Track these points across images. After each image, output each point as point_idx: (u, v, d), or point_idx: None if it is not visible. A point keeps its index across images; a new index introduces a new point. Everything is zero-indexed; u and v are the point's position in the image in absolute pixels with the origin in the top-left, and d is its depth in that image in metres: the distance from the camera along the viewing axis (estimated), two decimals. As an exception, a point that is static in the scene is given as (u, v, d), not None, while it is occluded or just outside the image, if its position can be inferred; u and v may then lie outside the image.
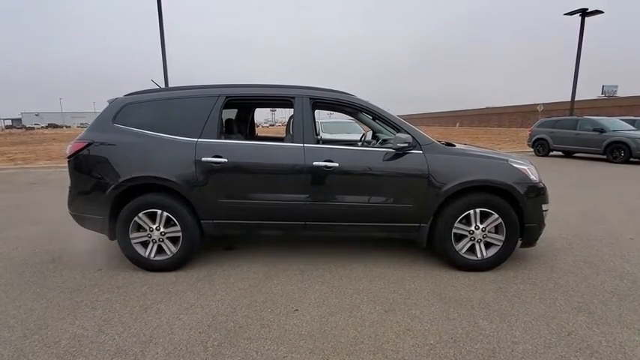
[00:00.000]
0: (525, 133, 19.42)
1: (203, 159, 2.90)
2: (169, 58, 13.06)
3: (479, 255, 3.00)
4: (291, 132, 3.13)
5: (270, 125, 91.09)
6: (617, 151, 10.75)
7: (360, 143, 3.95)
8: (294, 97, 3.12)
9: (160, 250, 3.01)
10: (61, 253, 3.46)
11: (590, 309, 2.43)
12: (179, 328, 2.21)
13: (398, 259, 3.30)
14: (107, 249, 3.44)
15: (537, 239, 3.11)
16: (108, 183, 2.90)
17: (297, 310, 2.43)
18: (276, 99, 3.28)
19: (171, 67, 13.39)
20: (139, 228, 2.98)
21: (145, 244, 3.00)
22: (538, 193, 3.00)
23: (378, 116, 3.21)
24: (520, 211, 2.95)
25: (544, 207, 3.04)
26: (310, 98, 3.11)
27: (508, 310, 2.42)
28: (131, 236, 2.95)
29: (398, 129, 3.08)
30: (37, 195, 6.46)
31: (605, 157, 11.13)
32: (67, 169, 3.11)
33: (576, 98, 16.79)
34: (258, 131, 6.86)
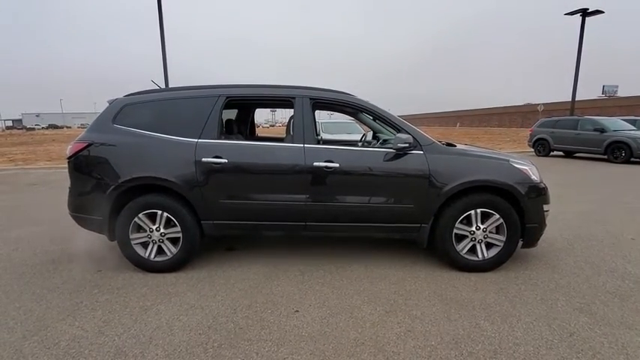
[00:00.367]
0: (526, 133, 19.41)
1: (203, 159, 2.90)
2: (170, 58, 13.07)
3: (480, 255, 2.99)
4: (291, 132, 3.12)
5: (271, 126, 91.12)
6: (617, 151, 10.73)
7: (360, 143, 3.94)
8: (294, 98, 3.11)
9: (160, 251, 3.00)
10: (61, 253, 3.46)
11: (592, 310, 2.42)
12: (179, 329, 2.20)
13: (399, 259, 3.29)
14: (107, 250, 3.44)
15: (538, 240, 3.10)
16: (108, 184, 2.89)
17: (297, 311, 2.42)
18: (277, 99, 3.27)
19: (171, 67, 13.41)
20: (139, 229, 2.97)
21: (145, 245, 2.99)
22: (539, 193, 2.99)
23: (378, 116, 3.20)
24: (521, 212, 2.94)
25: (545, 207, 3.03)
26: (310, 98, 3.10)
27: (509, 310, 2.41)
28: (131, 237, 2.94)
29: (398, 129, 3.07)
30: (37, 196, 6.46)
31: (605, 157, 11.11)
32: (67, 170, 3.10)
33: (577, 98, 16.78)
34: (259, 132, 6.85)
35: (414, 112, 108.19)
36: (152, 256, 2.98)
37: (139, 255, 2.97)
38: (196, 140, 2.95)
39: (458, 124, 69.41)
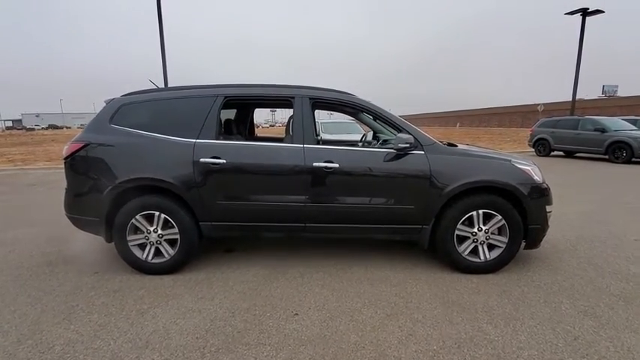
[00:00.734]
0: (526, 133, 19.37)
1: (201, 160, 2.86)
2: (169, 59, 13.03)
3: (482, 257, 2.95)
4: (290, 132, 3.08)
5: (270, 126, 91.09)
6: (618, 151, 10.69)
7: (360, 144, 3.90)
8: (293, 97, 3.08)
9: (158, 253, 2.96)
10: (58, 255, 3.42)
11: (596, 313, 2.38)
12: (176, 333, 2.16)
13: (399, 261, 3.25)
14: (104, 251, 3.40)
15: (541, 241, 3.06)
16: (105, 184, 2.85)
17: (296, 314, 2.38)
18: (276, 99, 3.23)
19: (171, 68, 13.36)
20: (136, 230, 2.93)
21: (142, 247, 2.96)
22: (542, 194, 2.96)
23: (378, 116, 3.17)
24: (523, 213, 2.90)
25: (548, 208, 2.99)
26: (310, 98, 3.06)
27: (512, 313, 2.37)
28: (128, 238, 2.90)
29: (399, 129, 3.03)
30: (35, 196, 6.42)
31: (606, 157, 11.07)
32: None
33: (577, 98, 16.75)
34: (258, 132, 6.82)
35: (414, 112, 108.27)
36: (149, 257, 2.94)
37: (136, 257, 2.93)
38: (194, 140, 2.91)
39: (458, 124, 69.40)
